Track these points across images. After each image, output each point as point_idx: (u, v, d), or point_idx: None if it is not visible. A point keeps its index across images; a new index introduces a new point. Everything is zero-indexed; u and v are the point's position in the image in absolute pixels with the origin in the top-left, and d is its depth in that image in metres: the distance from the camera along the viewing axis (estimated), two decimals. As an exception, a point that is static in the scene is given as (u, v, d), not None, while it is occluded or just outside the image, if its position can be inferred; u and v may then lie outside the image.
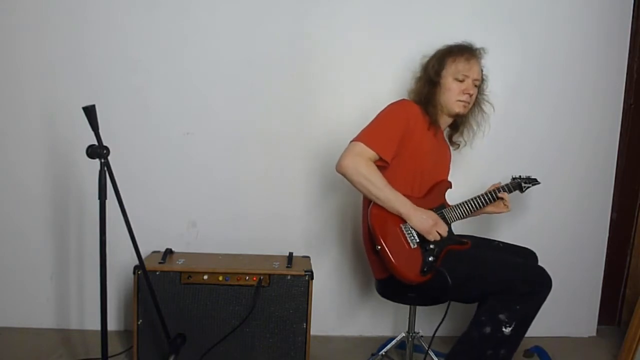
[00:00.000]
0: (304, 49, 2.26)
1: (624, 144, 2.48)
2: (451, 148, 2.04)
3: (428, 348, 1.86)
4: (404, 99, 1.84)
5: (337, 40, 2.26)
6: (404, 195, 1.72)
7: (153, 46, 2.22)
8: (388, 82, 2.23)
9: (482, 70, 1.88)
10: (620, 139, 2.44)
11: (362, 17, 2.26)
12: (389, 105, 1.80)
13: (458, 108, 1.83)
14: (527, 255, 1.91)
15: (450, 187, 1.92)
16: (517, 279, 1.62)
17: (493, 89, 2.30)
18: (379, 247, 1.67)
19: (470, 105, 1.87)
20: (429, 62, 1.87)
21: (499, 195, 1.88)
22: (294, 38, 2.25)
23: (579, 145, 2.41)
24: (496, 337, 1.60)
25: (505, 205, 1.90)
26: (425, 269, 1.69)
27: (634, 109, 2.48)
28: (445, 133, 2.00)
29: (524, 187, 1.96)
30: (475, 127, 1.99)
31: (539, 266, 1.78)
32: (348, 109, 2.25)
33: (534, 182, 1.99)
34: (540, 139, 2.39)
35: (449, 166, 2.01)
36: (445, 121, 1.92)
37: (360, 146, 1.68)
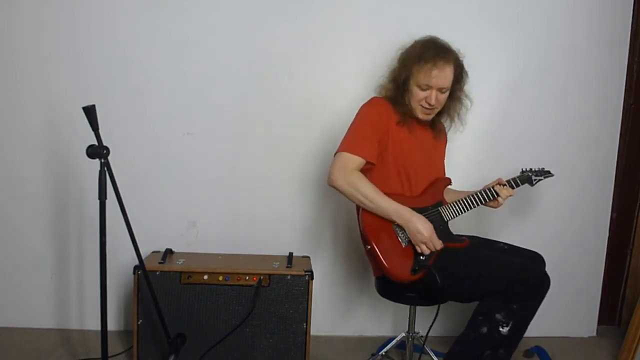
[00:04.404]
0: (304, 49, 2.26)
1: (624, 144, 2.48)
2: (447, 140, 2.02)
3: (423, 345, 1.89)
4: (373, 98, 1.85)
5: (338, 40, 2.26)
6: (398, 194, 1.73)
7: (153, 46, 2.22)
8: (388, 82, 2.23)
9: (454, 72, 1.78)
10: (620, 139, 2.44)
11: (363, 17, 2.25)
12: (361, 108, 1.82)
13: (420, 114, 1.81)
14: (533, 258, 1.87)
15: (450, 184, 1.91)
16: (513, 278, 1.61)
17: (493, 89, 2.32)
18: (369, 247, 1.69)
19: (434, 112, 1.83)
20: (399, 65, 1.81)
21: (496, 189, 1.83)
22: (293, 38, 2.25)
23: (579, 145, 2.41)
24: (493, 337, 1.59)
25: (498, 201, 1.86)
26: (416, 268, 1.69)
27: (634, 109, 2.48)
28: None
29: (535, 180, 1.91)
30: (456, 119, 1.94)
31: (536, 266, 1.77)
32: (348, 109, 2.24)
33: (546, 174, 1.93)
34: (540, 139, 2.39)
35: (443, 161, 2.00)
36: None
37: (345, 156, 1.71)
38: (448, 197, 1.90)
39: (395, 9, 2.26)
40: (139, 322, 1.95)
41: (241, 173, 2.31)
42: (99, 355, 1.59)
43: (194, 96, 2.26)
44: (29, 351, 2.12)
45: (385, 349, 2.09)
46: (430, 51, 1.74)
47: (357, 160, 1.71)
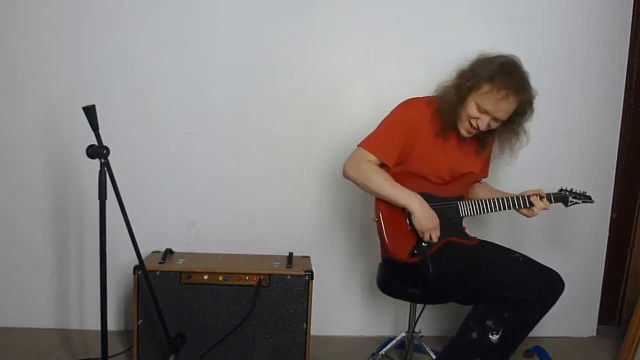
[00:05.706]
0: (304, 49, 2.26)
1: (624, 144, 2.47)
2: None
3: (411, 337, 1.89)
4: (412, 99, 1.81)
5: (338, 40, 2.26)
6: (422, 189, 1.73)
7: (153, 46, 2.22)
8: (389, 82, 2.23)
9: (524, 106, 1.71)
10: (620, 139, 2.44)
11: (363, 18, 2.25)
12: (397, 106, 1.79)
13: (463, 129, 1.75)
14: (550, 277, 1.74)
15: (479, 182, 1.91)
16: (508, 284, 1.59)
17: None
18: (376, 219, 1.72)
19: (474, 133, 1.75)
20: (470, 70, 1.71)
21: (532, 200, 1.77)
22: (294, 38, 2.25)
23: (579, 145, 2.41)
24: (483, 344, 1.58)
25: (533, 210, 1.79)
26: (415, 252, 1.71)
27: (634, 109, 2.48)
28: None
29: (571, 202, 1.80)
30: (506, 151, 1.85)
31: (538, 277, 1.69)
32: (348, 108, 2.25)
33: (586, 199, 1.80)
34: (540, 138, 2.37)
35: (481, 164, 1.93)
36: None
37: (361, 151, 1.74)
38: (481, 193, 1.90)
39: (394, 9, 2.25)
40: (139, 322, 1.95)
41: (241, 173, 2.31)
42: (99, 355, 1.60)
43: (194, 96, 2.25)
44: (29, 351, 2.12)
45: (385, 349, 2.09)
46: (508, 79, 1.64)
47: (371, 159, 1.72)
